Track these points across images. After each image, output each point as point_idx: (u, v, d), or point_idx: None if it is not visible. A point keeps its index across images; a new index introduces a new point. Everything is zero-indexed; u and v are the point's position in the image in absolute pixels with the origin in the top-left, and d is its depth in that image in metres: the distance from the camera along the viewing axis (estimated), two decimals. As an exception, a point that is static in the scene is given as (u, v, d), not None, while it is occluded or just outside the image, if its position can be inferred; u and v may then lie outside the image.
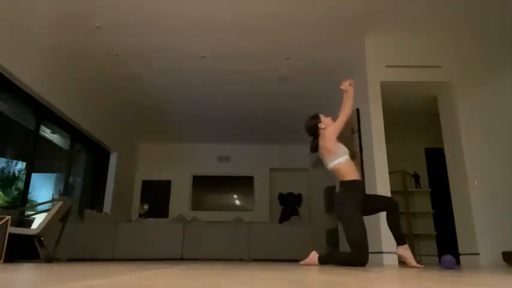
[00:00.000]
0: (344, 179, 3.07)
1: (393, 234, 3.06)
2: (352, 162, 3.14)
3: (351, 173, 3.06)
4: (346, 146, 3.27)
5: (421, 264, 3.34)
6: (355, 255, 2.91)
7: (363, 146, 4.76)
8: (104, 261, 4.43)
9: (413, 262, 3.00)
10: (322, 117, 3.28)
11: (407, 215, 6.25)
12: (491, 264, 3.97)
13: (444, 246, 5.99)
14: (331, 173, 3.24)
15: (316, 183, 8.64)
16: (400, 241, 3.04)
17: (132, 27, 4.53)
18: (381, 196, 3.31)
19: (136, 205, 8.31)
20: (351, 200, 3.00)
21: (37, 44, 4.63)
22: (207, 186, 8.81)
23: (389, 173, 4.44)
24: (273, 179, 8.95)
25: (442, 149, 4.76)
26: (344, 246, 5.72)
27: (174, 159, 8.91)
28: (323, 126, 3.23)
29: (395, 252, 3.11)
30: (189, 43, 4.88)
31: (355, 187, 3.05)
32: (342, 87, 3.25)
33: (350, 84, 3.22)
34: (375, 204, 3.13)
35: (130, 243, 5.13)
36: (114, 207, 7.04)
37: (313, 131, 3.29)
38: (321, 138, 3.23)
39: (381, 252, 4.05)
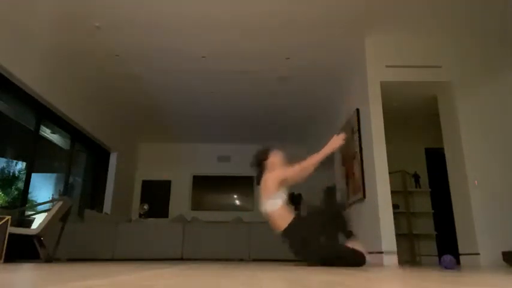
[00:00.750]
0: (283, 227, 2.98)
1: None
2: (285, 209, 3.01)
3: (284, 220, 2.97)
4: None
5: (421, 264, 3.34)
6: (351, 259, 2.90)
7: (363, 146, 4.76)
8: (104, 261, 4.43)
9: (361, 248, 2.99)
10: (273, 156, 3.15)
11: (407, 215, 6.25)
12: (491, 264, 3.97)
13: (444, 246, 5.99)
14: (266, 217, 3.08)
15: (316, 183, 8.63)
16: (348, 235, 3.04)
17: (132, 27, 4.53)
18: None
19: (136, 205, 8.30)
20: (310, 223, 2.98)
21: (37, 44, 4.63)
22: (207, 186, 8.80)
23: (390, 173, 4.43)
24: (273, 179, 8.93)
25: (442, 149, 4.76)
26: (344, 246, 5.72)
27: (174, 159, 8.91)
28: (267, 167, 3.13)
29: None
30: (189, 43, 4.88)
31: (300, 220, 3.00)
32: (335, 136, 3.12)
33: (343, 140, 3.16)
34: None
35: (131, 243, 5.12)
36: (114, 207, 7.04)
37: (258, 165, 3.22)
38: (265, 174, 3.12)
39: (381, 252, 4.05)
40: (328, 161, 7.44)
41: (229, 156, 9.00)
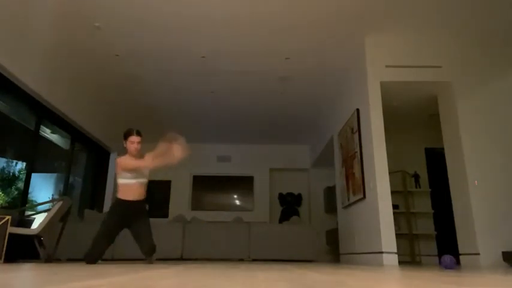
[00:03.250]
0: (117, 196, 3.66)
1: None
2: (130, 187, 3.57)
3: (121, 193, 3.59)
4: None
5: (421, 264, 3.35)
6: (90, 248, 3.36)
7: (363, 146, 4.76)
8: (104, 261, 4.43)
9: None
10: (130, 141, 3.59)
11: (407, 215, 6.25)
12: (491, 264, 3.97)
13: (444, 246, 5.99)
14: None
15: (316, 183, 8.64)
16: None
17: (132, 27, 4.53)
18: (148, 233, 3.59)
19: (136, 205, 8.29)
20: (110, 211, 3.59)
21: (37, 44, 4.63)
22: (207, 186, 8.80)
23: (389, 173, 4.43)
24: (273, 179, 8.95)
25: (442, 149, 4.76)
26: (343, 246, 5.73)
27: (174, 159, 8.88)
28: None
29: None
30: (189, 43, 4.88)
31: (117, 203, 3.60)
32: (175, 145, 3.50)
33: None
34: (137, 231, 3.56)
35: (130, 244, 5.11)
36: (114, 207, 7.03)
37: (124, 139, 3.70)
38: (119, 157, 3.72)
39: (381, 252, 4.05)
40: (328, 161, 7.45)
41: (229, 156, 9.00)
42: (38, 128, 5.12)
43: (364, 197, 4.65)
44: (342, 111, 5.81)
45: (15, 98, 4.65)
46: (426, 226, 6.29)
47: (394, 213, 4.25)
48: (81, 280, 1.21)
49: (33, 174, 4.94)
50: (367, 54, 4.71)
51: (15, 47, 4.21)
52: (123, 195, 3.59)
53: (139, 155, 3.62)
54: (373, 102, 4.54)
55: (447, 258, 2.73)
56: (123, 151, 3.73)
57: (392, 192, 4.45)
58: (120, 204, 3.57)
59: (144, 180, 3.66)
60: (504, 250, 3.98)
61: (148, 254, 3.48)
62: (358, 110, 4.96)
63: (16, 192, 4.86)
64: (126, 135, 3.64)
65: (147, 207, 3.76)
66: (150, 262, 3.52)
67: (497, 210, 4.15)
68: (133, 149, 3.59)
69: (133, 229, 3.57)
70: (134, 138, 3.61)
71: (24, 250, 4.20)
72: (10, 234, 3.32)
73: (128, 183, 3.56)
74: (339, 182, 6.03)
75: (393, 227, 4.13)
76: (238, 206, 8.78)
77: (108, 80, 5.90)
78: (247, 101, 6.67)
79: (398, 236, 4.83)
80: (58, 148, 6.10)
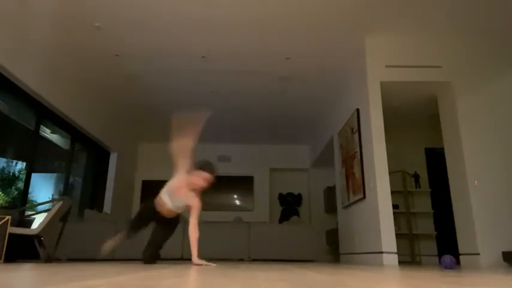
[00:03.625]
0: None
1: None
2: (163, 204, 3.46)
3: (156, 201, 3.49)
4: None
5: (421, 264, 3.35)
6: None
7: (363, 146, 4.76)
8: (104, 261, 4.43)
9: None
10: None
11: (407, 215, 6.25)
12: (491, 264, 3.97)
13: (444, 246, 5.99)
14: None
15: (316, 183, 8.64)
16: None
17: (132, 27, 4.53)
18: (160, 241, 3.72)
19: (136, 205, 8.29)
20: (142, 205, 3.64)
21: (37, 44, 4.63)
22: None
23: (389, 173, 4.44)
24: (273, 179, 8.94)
25: (442, 149, 4.76)
26: (343, 246, 5.73)
27: (174, 159, 8.89)
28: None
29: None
30: (189, 43, 4.88)
31: (151, 204, 3.52)
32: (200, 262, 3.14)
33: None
34: (155, 232, 3.65)
35: (131, 243, 5.12)
36: (114, 207, 7.03)
37: None
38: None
39: (381, 252, 4.05)
40: (328, 162, 7.45)
41: (229, 156, 9.00)
42: (38, 128, 5.12)
43: (364, 197, 4.65)
44: (342, 111, 5.81)
45: (15, 98, 4.65)
46: (426, 226, 6.29)
47: (394, 213, 4.25)
48: (81, 280, 1.21)
49: (33, 174, 4.94)
50: (367, 54, 4.71)
51: (15, 47, 4.21)
52: (156, 203, 3.49)
53: (198, 190, 3.38)
54: (373, 102, 4.54)
55: (447, 258, 2.74)
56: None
57: (392, 192, 4.45)
58: (152, 207, 3.49)
59: (178, 210, 3.53)
60: (504, 250, 3.98)
61: (145, 260, 3.49)
62: (358, 110, 4.96)
63: (16, 192, 4.86)
64: (204, 168, 3.38)
65: (177, 223, 3.68)
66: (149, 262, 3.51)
67: (497, 210, 4.15)
68: (200, 184, 3.34)
69: (155, 227, 3.65)
70: (209, 178, 3.37)
71: (24, 250, 4.20)
72: (10, 234, 3.32)
73: (164, 200, 3.44)
74: (339, 182, 6.03)
75: (393, 227, 4.13)
76: (238, 206, 8.78)
77: (108, 80, 5.90)
78: (247, 101, 6.67)
79: (398, 236, 4.83)
80: (58, 148, 6.10)
